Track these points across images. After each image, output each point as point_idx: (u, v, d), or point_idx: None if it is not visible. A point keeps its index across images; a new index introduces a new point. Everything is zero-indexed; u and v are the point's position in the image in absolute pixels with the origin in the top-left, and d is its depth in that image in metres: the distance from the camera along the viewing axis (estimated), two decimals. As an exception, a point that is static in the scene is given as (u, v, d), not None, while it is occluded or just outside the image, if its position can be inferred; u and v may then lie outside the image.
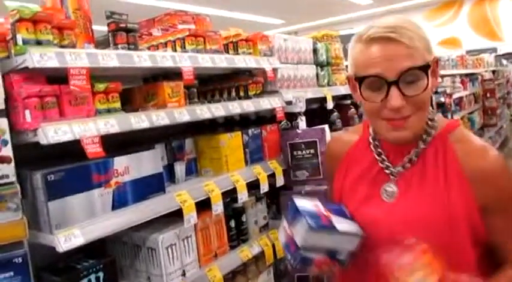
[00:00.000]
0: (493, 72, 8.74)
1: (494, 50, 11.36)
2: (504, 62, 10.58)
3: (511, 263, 1.07)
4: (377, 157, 1.17)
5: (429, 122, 1.12)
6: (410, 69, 0.97)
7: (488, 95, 8.09)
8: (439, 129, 1.13)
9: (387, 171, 1.14)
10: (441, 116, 1.22)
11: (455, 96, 5.75)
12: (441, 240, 1.00)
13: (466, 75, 6.95)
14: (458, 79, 6.20)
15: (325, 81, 2.82)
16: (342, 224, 1.11)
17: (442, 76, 5.45)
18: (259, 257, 2.14)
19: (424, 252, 0.93)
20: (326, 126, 2.32)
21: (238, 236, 2.05)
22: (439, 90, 5.24)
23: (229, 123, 2.38)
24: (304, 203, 1.15)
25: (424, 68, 0.98)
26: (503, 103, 9.51)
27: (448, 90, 5.38)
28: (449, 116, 5.10)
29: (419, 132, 1.09)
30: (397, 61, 0.97)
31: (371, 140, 1.20)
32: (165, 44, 1.97)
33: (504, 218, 1.05)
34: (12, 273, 1.27)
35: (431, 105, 4.46)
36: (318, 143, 2.25)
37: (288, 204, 1.19)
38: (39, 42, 1.35)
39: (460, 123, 1.20)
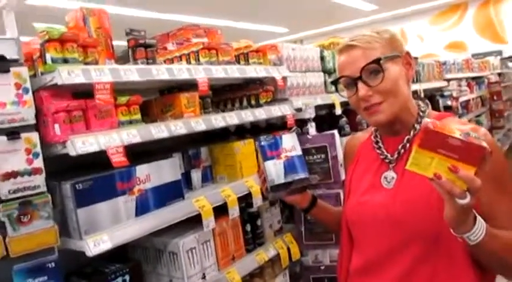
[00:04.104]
0: (499, 74, 8.75)
1: (500, 52, 11.36)
2: (510, 64, 10.56)
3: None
4: (377, 150, 1.31)
5: (420, 113, 1.27)
6: (366, 65, 1.18)
7: (495, 97, 8.11)
8: (431, 118, 1.24)
9: (386, 161, 1.27)
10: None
11: (461, 99, 5.79)
12: (435, 217, 1.08)
13: (473, 78, 6.98)
14: (464, 82, 6.25)
15: (333, 87, 2.89)
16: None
17: (448, 80, 5.50)
18: (275, 260, 2.21)
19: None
20: (336, 131, 2.38)
21: (254, 240, 2.12)
22: (446, 93, 5.29)
23: (241, 131, 2.46)
24: None
25: (377, 62, 1.18)
26: (510, 105, 9.50)
27: (455, 94, 5.44)
28: (457, 119, 5.13)
29: (394, 116, 1.22)
30: (357, 62, 1.20)
31: (373, 138, 1.35)
32: (180, 57, 2.06)
33: (493, 193, 1.13)
34: (46, 278, 1.35)
35: (432, 103, 4.50)
36: (328, 148, 2.31)
37: None
38: (66, 60, 1.45)
39: (453, 115, 1.32)
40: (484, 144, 0.91)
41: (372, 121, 1.24)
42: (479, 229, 1.00)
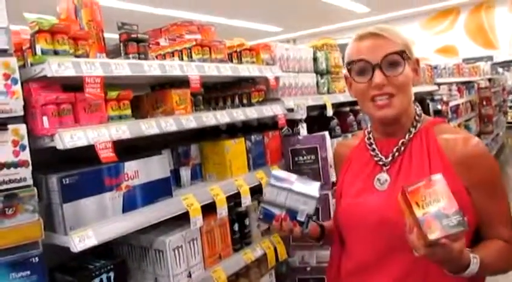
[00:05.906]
0: (489, 80, 8.85)
1: (490, 58, 11.50)
2: (500, 70, 10.71)
3: (497, 239, 1.18)
4: (371, 152, 1.31)
5: (416, 117, 1.28)
6: (390, 54, 1.19)
7: (484, 102, 8.20)
8: (425, 123, 1.28)
9: (380, 163, 1.28)
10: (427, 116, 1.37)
11: (452, 103, 5.83)
12: None
13: (463, 83, 7.04)
14: (454, 87, 6.29)
15: (325, 89, 2.89)
16: (300, 188, 1.27)
17: (439, 84, 5.54)
18: (261, 260, 2.20)
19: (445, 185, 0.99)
20: (326, 133, 2.38)
21: (241, 239, 2.12)
22: (436, 97, 5.33)
23: (232, 130, 2.45)
24: (280, 172, 1.34)
25: (401, 53, 1.20)
26: (499, 111, 9.62)
27: (445, 98, 5.47)
28: (446, 124, 5.17)
29: (401, 113, 1.23)
30: (380, 49, 1.20)
31: (366, 139, 1.34)
32: (172, 54, 2.04)
33: (487, 198, 1.17)
34: (29, 272, 1.32)
35: (423, 107, 4.53)
36: (318, 149, 2.32)
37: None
38: (56, 52, 1.42)
39: (446, 120, 1.34)
40: (435, 236, 0.93)
41: (380, 115, 1.22)
42: (473, 269, 1.04)
